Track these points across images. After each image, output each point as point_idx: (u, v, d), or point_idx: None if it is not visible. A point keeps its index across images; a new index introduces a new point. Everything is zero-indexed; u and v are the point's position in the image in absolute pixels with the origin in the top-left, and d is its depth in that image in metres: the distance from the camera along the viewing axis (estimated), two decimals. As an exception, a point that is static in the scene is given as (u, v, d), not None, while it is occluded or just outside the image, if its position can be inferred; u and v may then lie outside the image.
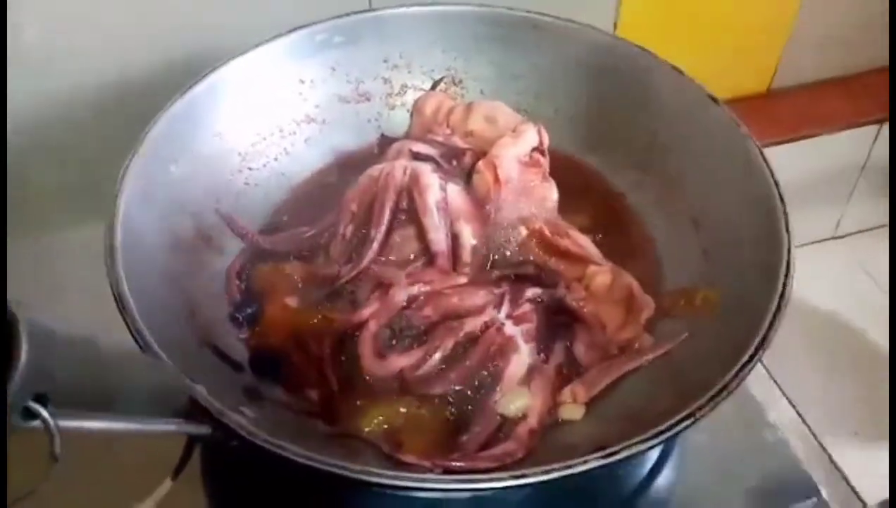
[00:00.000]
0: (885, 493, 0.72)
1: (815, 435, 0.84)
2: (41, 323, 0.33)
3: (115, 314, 0.50)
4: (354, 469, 0.43)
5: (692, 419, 0.45)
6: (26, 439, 0.33)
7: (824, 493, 0.63)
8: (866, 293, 1.05)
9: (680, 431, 0.45)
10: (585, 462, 0.43)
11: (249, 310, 0.58)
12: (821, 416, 0.84)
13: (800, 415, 0.86)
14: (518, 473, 0.43)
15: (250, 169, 0.68)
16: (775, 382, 0.88)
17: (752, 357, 0.48)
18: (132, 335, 0.47)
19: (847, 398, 0.88)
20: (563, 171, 0.67)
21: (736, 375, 0.48)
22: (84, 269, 0.68)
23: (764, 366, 0.50)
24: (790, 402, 0.86)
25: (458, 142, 0.67)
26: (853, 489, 0.74)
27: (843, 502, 0.71)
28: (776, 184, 0.58)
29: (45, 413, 0.31)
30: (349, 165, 0.69)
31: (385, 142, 0.70)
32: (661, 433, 0.45)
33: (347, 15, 0.70)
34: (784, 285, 0.52)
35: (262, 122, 0.69)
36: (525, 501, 0.57)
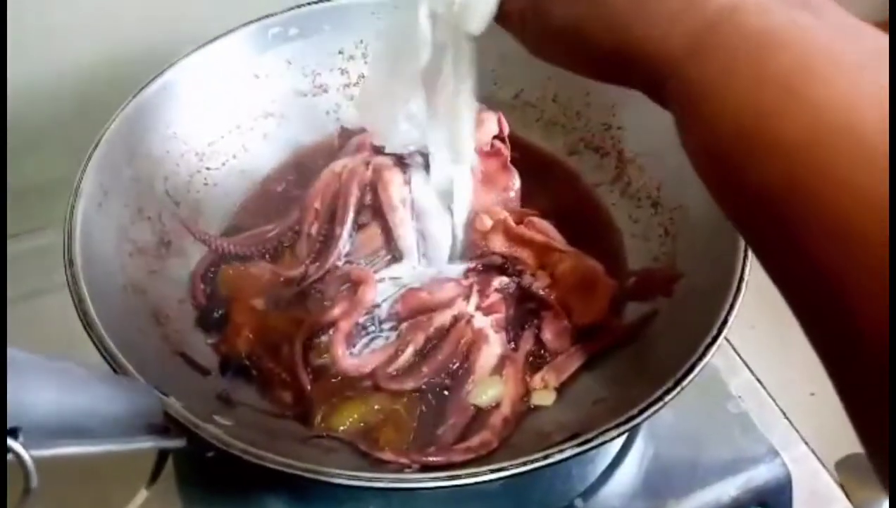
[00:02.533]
0: (841, 452, 0.75)
1: (774, 400, 0.87)
2: (7, 352, 0.32)
3: (73, 325, 0.49)
4: (331, 472, 0.43)
5: (661, 403, 0.46)
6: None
7: (786, 457, 0.65)
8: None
9: (650, 415, 0.46)
10: (562, 450, 0.44)
11: (216, 314, 0.58)
12: (778, 380, 0.87)
13: (759, 381, 0.89)
14: (496, 466, 0.44)
15: (209, 169, 0.66)
16: (734, 349, 0.90)
17: (714, 338, 0.50)
18: (102, 356, 0.46)
19: (802, 360, 0.90)
20: (523, 156, 0.68)
21: (701, 356, 0.49)
22: (38, 278, 0.67)
23: (725, 337, 0.51)
24: (749, 369, 0.89)
25: (418, 132, 0.67)
26: (813, 451, 0.77)
27: (804, 464, 0.74)
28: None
29: (17, 448, 0.31)
30: (310, 160, 0.69)
31: (345, 134, 0.69)
32: (633, 417, 0.46)
33: (300, 7, 0.69)
34: (743, 265, 0.53)
35: (218, 119, 0.67)
36: (502, 484, 0.58)
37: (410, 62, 0.49)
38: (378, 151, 0.62)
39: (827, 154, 0.25)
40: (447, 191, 0.59)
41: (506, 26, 0.41)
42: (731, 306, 0.51)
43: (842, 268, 0.24)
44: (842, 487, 0.69)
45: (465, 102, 0.51)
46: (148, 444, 0.41)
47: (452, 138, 0.54)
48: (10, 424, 0.30)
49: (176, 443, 0.43)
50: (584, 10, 0.33)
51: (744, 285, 0.52)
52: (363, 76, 0.73)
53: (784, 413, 0.82)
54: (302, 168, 0.69)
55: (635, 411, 0.46)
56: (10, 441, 0.31)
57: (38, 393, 0.33)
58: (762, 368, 0.87)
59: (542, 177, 0.69)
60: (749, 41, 0.29)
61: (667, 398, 0.47)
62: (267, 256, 0.61)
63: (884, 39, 0.28)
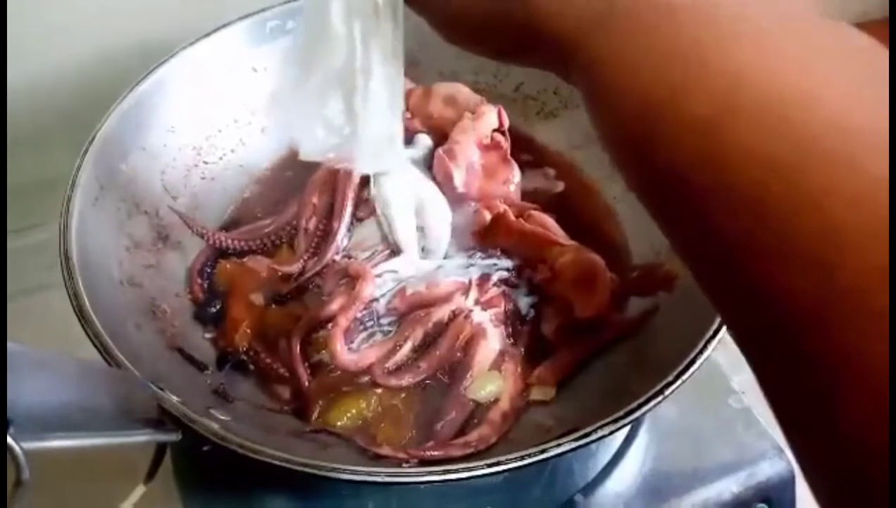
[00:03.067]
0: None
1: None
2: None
3: (73, 321, 0.49)
4: (328, 467, 0.43)
5: (661, 397, 0.46)
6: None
7: (789, 453, 0.65)
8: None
9: (649, 409, 0.45)
10: (559, 444, 0.44)
11: (213, 309, 0.58)
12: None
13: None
14: (493, 461, 0.43)
15: (206, 163, 0.66)
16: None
17: (715, 332, 0.49)
18: (98, 350, 0.45)
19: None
20: (523, 149, 0.68)
21: (701, 350, 0.48)
22: (38, 274, 0.67)
23: (727, 332, 0.51)
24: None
25: (418, 126, 0.67)
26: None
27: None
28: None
29: (8, 440, 0.30)
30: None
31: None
32: (632, 411, 0.45)
33: (298, -1, 0.69)
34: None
35: (216, 113, 0.67)
36: (502, 479, 0.58)
37: (324, 60, 0.44)
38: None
39: (738, 126, 0.24)
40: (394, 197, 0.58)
41: (413, 7, 0.39)
42: (733, 300, 0.51)
43: (751, 237, 0.23)
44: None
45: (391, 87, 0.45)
46: (142, 438, 0.40)
47: (376, 140, 0.47)
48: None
49: (171, 437, 0.42)
50: None
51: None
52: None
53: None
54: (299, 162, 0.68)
55: (634, 405, 0.45)
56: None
57: (29, 385, 0.33)
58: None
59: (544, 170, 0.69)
60: (657, 11, 0.27)
61: (667, 392, 0.46)
62: (265, 250, 0.61)
63: (797, 1, 0.27)
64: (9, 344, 0.33)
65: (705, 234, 0.25)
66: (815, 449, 0.23)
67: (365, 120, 0.46)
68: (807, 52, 0.25)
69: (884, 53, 0.25)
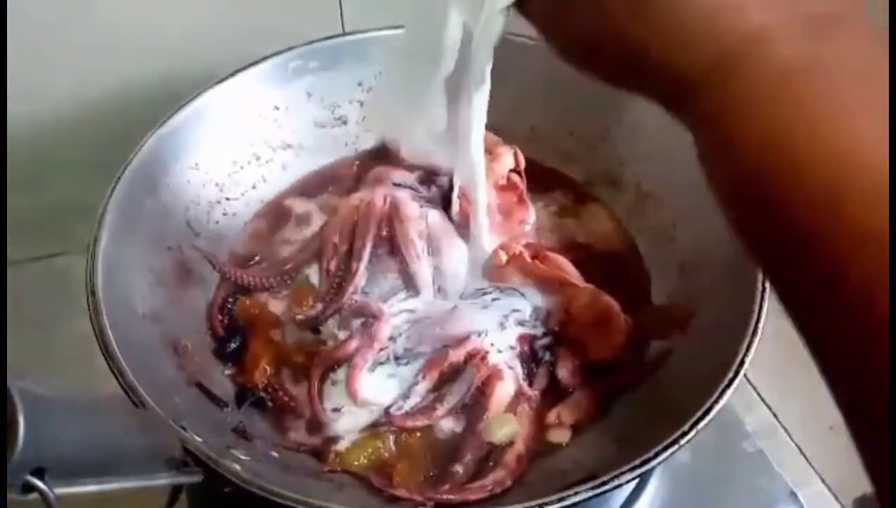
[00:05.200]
0: (860, 489, 0.74)
1: (790, 435, 0.86)
2: (34, 392, 0.33)
3: (95, 350, 0.49)
4: (349, 511, 0.43)
5: (677, 446, 0.46)
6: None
7: (801, 496, 0.65)
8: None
9: (667, 457, 0.46)
10: (576, 493, 0.44)
11: (233, 345, 0.58)
12: (795, 414, 0.86)
13: (775, 416, 0.88)
14: (511, 508, 0.44)
15: (228, 199, 0.67)
16: (751, 384, 0.89)
17: (731, 380, 0.49)
18: (122, 388, 0.46)
19: (820, 393, 0.89)
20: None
21: (718, 397, 0.49)
22: (58, 303, 0.68)
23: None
24: (766, 404, 0.88)
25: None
26: (830, 489, 0.76)
27: (820, 503, 0.73)
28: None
29: (42, 486, 0.31)
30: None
31: (363, 166, 0.70)
32: (649, 460, 0.46)
33: (322, 40, 0.70)
34: (761, 303, 0.53)
35: (238, 150, 0.68)
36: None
37: (432, 68, 0.46)
38: (397, 184, 0.63)
39: (853, 207, 0.26)
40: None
41: (527, 15, 0.39)
42: (749, 346, 0.51)
43: (868, 322, 0.25)
44: (858, 527, 0.69)
45: (477, 112, 0.49)
46: (165, 480, 0.41)
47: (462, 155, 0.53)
48: (35, 464, 0.31)
49: (193, 479, 0.43)
50: (601, 21, 0.33)
51: (760, 324, 0.52)
52: (381, 106, 0.74)
53: (801, 450, 0.81)
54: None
55: (651, 453, 0.46)
56: (36, 481, 0.31)
57: (61, 431, 0.33)
58: (777, 401, 0.86)
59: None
60: (775, 76, 0.29)
61: (682, 441, 0.46)
62: (285, 287, 0.61)
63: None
64: (40, 389, 0.33)
65: (819, 302, 0.27)
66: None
67: (465, 131, 0.49)
68: None
69: None
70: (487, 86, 0.49)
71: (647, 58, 0.32)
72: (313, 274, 0.62)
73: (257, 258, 0.65)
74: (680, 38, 0.31)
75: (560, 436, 0.55)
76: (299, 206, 0.68)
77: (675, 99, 0.32)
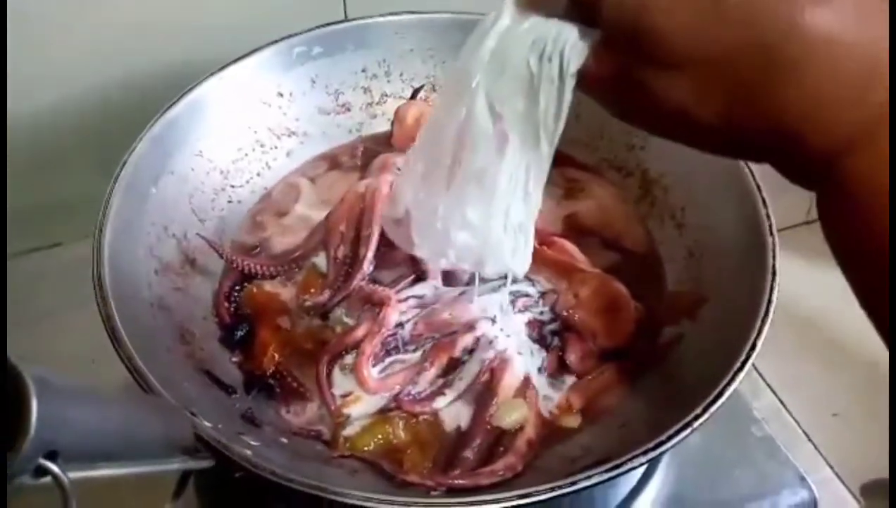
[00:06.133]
0: (868, 475, 0.75)
1: (797, 422, 0.86)
2: (44, 377, 0.32)
3: (102, 341, 0.49)
4: (359, 496, 0.43)
5: (690, 430, 0.46)
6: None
7: (810, 480, 0.65)
8: (836, 278, 1.08)
9: (678, 442, 0.46)
10: (590, 477, 0.44)
11: (241, 332, 0.58)
12: (801, 400, 0.86)
13: (782, 403, 0.88)
14: (524, 492, 0.43)
15: (233, 186, 0.67)
16: (758, 371, 0.89)
17: (743, 363, 0.49)
18: (132, 374, 0.46)
19: (825, 380, 0.90)
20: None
21: (730, 381, 0.48)
22: (63, 294, 0.68)
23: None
24: (772, 390, 0.88)
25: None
26: (838, 475, 0.76)
27: (829, 488, 0.73)
28: (758, 188, 0.59)
29: (56, 470, 0.31)
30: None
31: (368, 153, 0.70)
32: (661, 443, 0.45)
33: (325, 26, 0.69)
34: (771, 288, 0.53)
35: (242, 138, 0.68)
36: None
37: (463, 157, 0.40)
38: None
39: None
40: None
41: (588, 92, 0.36)
42: (760, 331, 0.51)
43: None
44: (866, 512, 0.69)
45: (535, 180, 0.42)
46: (176, 465, 0.41)
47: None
48: (48, 448, 0.30)
49: (204, 464, 0.43)
50: (702, 90, 0.31)
51: (772, 308, 0.52)
52: (385, 95, 0.73)
53: (808, 436, 0.81)
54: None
55: (664, 437, 0.46)
56: (49, 464, 0.31)
57: (74, 416, 0.33)
58: (784, 388, 0.86)
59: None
60: None
61: (695, 425, 0.46)
62: (292, 275, 0.61)
63: None
64: (53, 375, 0.33)
65: None
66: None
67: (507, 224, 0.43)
68: None
69: None
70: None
71: (781, 123, 0.31)
72: (321, 262, 0.62)
73: (261, 246, 0.64)
74: (835, 99, 0.30)
75: (570, 421, 0.55)
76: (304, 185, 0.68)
77: (806, 170, 0.32)
